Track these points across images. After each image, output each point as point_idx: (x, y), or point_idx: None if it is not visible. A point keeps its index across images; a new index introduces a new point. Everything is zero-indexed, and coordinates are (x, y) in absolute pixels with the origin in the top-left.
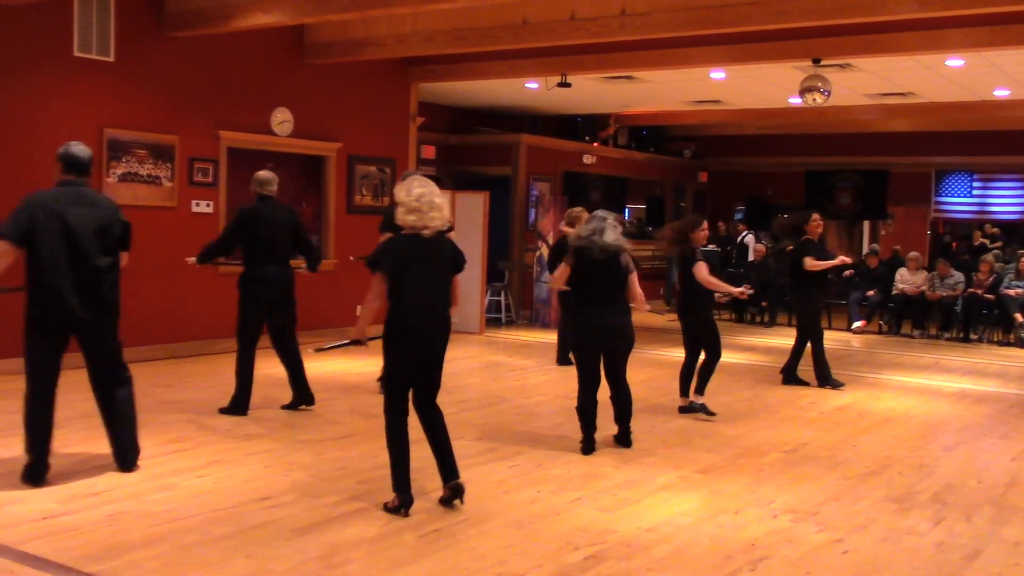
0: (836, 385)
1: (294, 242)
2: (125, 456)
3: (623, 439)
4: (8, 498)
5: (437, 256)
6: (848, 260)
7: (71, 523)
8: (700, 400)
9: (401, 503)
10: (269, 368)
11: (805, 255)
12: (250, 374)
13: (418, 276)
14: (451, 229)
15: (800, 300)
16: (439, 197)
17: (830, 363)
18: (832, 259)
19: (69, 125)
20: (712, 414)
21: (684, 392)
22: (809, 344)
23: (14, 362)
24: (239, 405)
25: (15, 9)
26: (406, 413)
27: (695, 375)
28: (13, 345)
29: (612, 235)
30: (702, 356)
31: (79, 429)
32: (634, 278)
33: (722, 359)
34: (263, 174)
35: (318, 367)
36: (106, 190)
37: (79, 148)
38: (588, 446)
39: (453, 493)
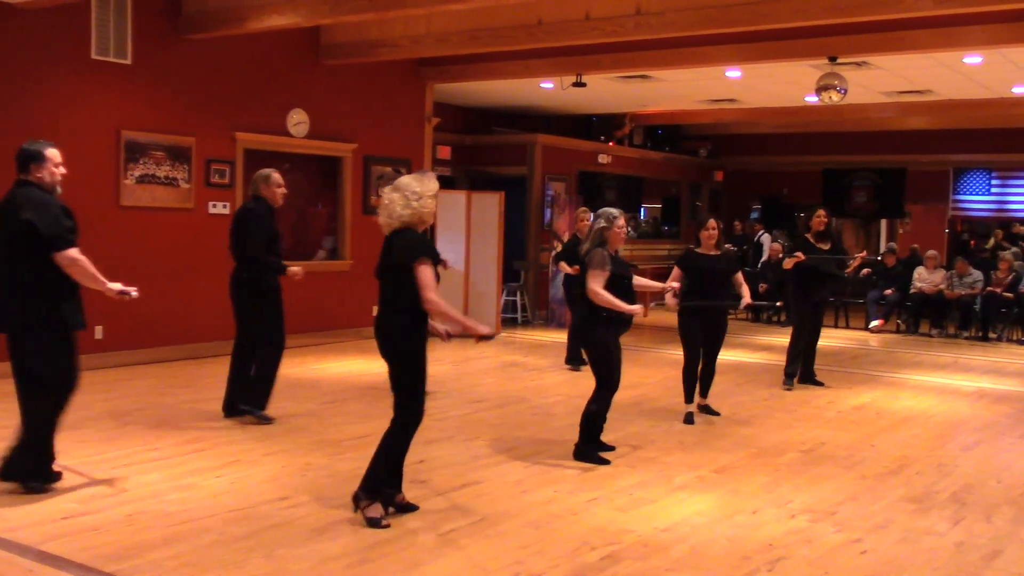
0: (790, 386)
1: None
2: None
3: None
4: (28, 498)
5: (385, 256)
6: (799, 258)
7: (90, 523)
8: (690, 407)
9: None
10: (291, 367)
11: (790, 254)
12: (230, 375)
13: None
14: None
15: (794, 297)
16: (397, 192)
17: (846, 363)
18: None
19: (87, 127)
20: (690, 422)
21: (701, 393)
22: (790, 336)
23: None
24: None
25: (33, 13)
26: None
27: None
28: None
29: (587, 238)
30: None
31: (101, 429)
32: (588, 275)
33: (739, 359)
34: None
35: (336, 368)
36: (124, 192)
37: (25, 144)
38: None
39: (356, 506)
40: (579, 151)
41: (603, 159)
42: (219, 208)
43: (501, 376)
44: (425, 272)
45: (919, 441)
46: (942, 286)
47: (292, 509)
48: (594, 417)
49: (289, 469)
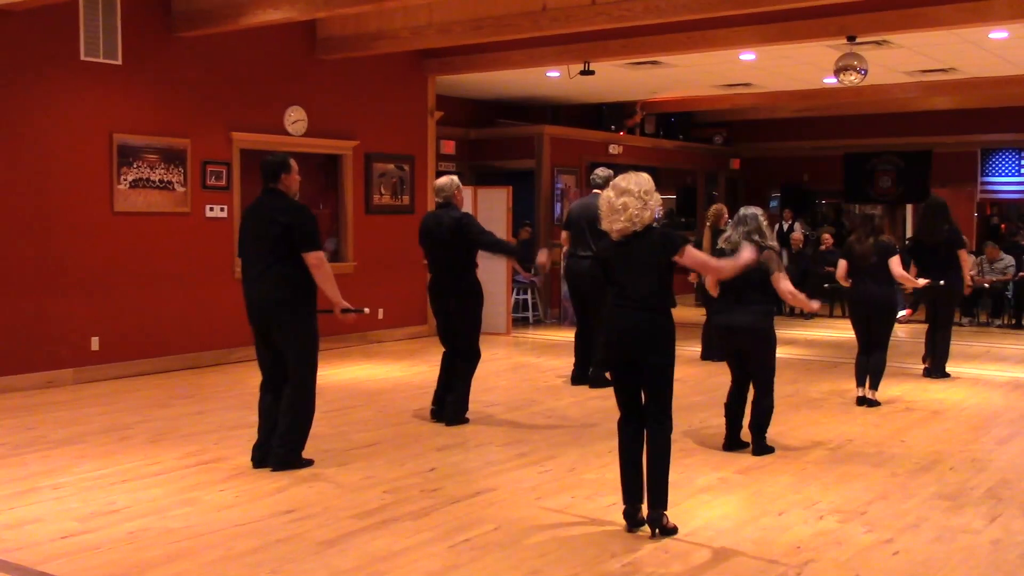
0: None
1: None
2: None
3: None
4: (27, 517)
5: (631, 257)
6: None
7: (91, 541)
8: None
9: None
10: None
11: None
12: (441, 381)
13: (616, 280)
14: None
15: None
16: (626, 196)
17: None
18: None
19: (78, 131)
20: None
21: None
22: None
23: (31, 377)
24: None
25: (19, 15)
26: (624, 419)
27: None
28: (27, 358)
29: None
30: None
31: (99, 444)
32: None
33: None
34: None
35: (341, 374)
36: (117, 197)
37: (270, 156)
38: (727, 442)
39: (657, 526)
40: (589, 142)
41: (614, 149)
42: (216, 211)
43: (513, 378)
44: (695, 251)
45: (951, 435)
46: (972, 272)
47: (299, 522)
48: (771, 412)
49: (295, 481)
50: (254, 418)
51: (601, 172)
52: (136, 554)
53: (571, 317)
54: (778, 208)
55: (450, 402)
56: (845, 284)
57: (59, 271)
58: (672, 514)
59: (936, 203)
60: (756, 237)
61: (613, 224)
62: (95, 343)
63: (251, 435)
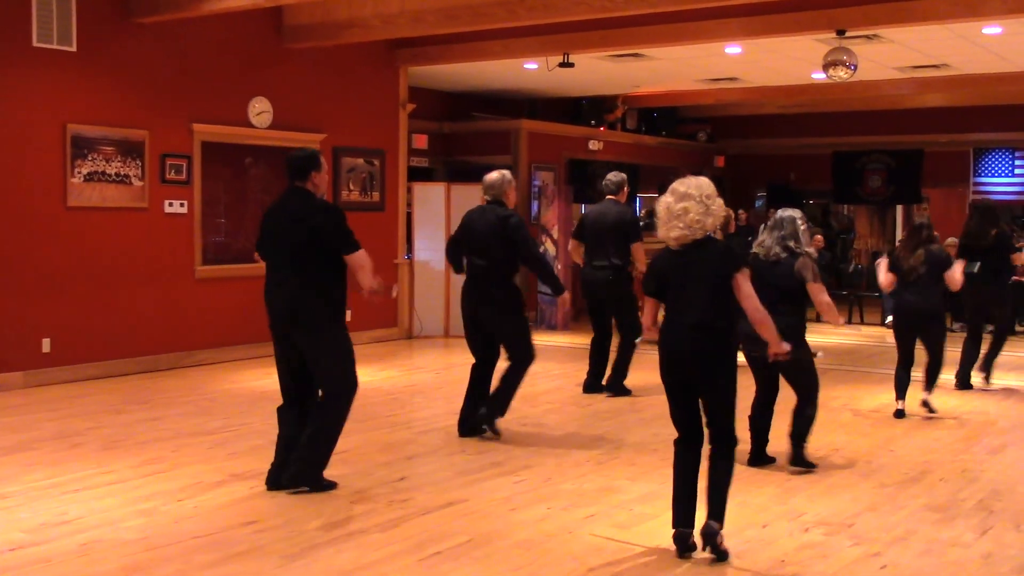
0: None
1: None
2: None
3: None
4: None
5: (688, 270)
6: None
7: (41, 553)
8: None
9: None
10: (256, 379)
11: None
12: (472, 391)
13: (671, 294)
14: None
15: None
16: (687, 200)
17: (861, 362)
18: None
19: (30, 121)
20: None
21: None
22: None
23: None
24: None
25: None
26: (682, 440)
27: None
28: None
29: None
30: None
31: (50, 451)
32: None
33: (741, 360)
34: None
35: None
36: (71, 191)
37: (297, 152)
38: (752, 457)
39: (710, 542)
40: (568, 137)
41: (594, 145)
42: (176, 207)
43: None
44: (748, 282)
45: (942, 445)
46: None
47: (261, 534)
48: (812, 422)
49: (257, 491)
50: (213, 425)
51: (613, 177)
52: (89, 567)
53: (548, 321)
54: (763, 208)
55: (489, 400)
56: (887, 291)
57: (8, 269)
58: (654, 525)
59: (985, 207)
60: (791, 243)
61: (671, 231)
62: (46, 345)
63: (210, 443)
